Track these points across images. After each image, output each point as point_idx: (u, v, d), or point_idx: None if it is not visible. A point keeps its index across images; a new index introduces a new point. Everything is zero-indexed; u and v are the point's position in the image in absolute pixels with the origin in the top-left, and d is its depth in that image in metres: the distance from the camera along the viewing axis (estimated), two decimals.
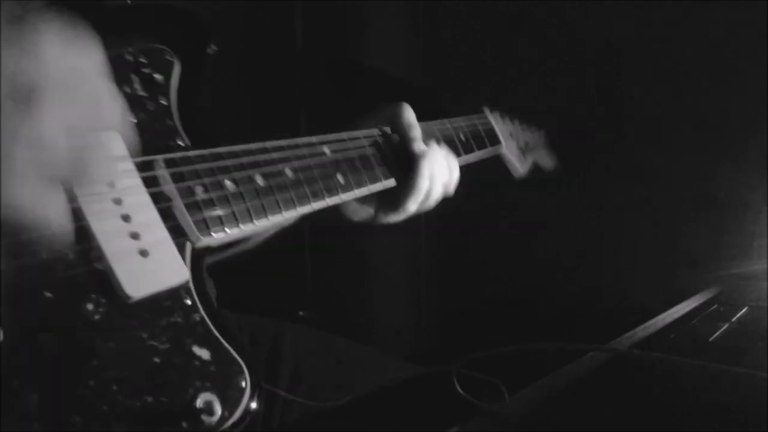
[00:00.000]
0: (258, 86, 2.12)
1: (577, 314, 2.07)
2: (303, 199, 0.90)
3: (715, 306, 1.41)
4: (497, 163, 1.46)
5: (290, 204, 0.88)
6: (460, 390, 0.88)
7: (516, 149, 1.48)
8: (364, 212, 1.15)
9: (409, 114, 1.15)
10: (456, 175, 1.18)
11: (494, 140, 1.39)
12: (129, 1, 0.90)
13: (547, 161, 1.66)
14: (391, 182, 1.09)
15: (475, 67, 2.38)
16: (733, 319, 1.29)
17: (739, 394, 0.90)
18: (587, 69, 2.15)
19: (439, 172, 1.13)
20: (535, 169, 1.59)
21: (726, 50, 1.89)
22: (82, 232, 0.66)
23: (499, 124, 1.42)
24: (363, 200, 1.12)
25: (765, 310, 1.34)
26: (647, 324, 1.27)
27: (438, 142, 1.19)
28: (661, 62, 2.02)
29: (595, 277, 2.12)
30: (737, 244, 1.82)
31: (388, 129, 1.13)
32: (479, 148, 1.31)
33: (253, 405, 0.70)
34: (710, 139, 1.94)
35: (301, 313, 2.22)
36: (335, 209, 1.12)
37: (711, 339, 1.17)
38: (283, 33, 2.24)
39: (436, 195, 1.15)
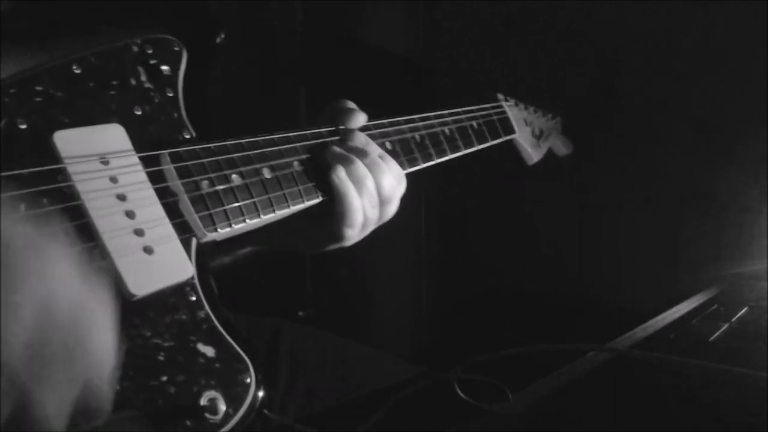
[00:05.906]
0: (260, 74, 2.10)
1: (577, 314, 2.07)
2: (310, 192, 0.89)
3: (715, 306, 1.41)
4: (498, 161, 1.45)
5: (297, 197, 0.87)
6: (460, 393, 0.88)
7: (531, 137, 1.44)
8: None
9: (342, 103, 0.99)
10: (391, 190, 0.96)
11: (508, 129, 1.34)
12: None
13: (562, 148, 1.60)
14: None
15: (473, 62, 2.38)
16: (733, 319, 1.29)
17: (739, 394, 0.90)
18: (587, 68, 2.15)
19: (362, 183, 0.92)
20: (549, 157, 1.55)
21: (726, 50, 1.89)
22: (86, 229, 0.66)
23: (513, 112, 1.37)
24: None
25: (765, 310, 1.34)
26: (647, 324, 1.27)
27: (393, 146, 1.02)
28: (661, 62, 2.02)
29: (595, 277, 2.12)
30: (737, 244, 1.82)
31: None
32: (493, 138, 1.26)
33: (258, 401, 0.70)
34: (710, 138, 1.94)
35: (301, 313, 2.21)
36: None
37: (711, 339, 1.17)
38: (283, 16, 2.21)
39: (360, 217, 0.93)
